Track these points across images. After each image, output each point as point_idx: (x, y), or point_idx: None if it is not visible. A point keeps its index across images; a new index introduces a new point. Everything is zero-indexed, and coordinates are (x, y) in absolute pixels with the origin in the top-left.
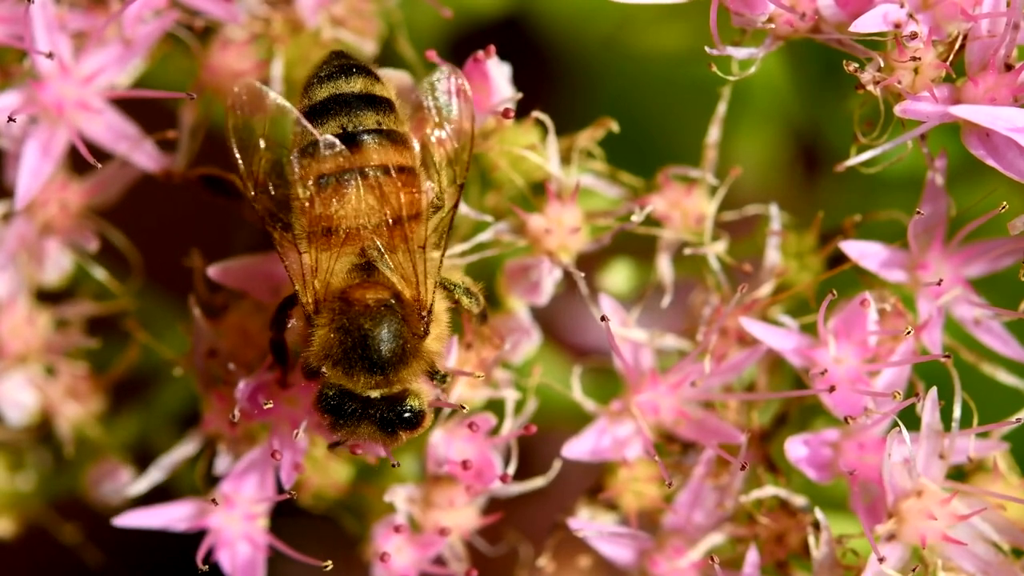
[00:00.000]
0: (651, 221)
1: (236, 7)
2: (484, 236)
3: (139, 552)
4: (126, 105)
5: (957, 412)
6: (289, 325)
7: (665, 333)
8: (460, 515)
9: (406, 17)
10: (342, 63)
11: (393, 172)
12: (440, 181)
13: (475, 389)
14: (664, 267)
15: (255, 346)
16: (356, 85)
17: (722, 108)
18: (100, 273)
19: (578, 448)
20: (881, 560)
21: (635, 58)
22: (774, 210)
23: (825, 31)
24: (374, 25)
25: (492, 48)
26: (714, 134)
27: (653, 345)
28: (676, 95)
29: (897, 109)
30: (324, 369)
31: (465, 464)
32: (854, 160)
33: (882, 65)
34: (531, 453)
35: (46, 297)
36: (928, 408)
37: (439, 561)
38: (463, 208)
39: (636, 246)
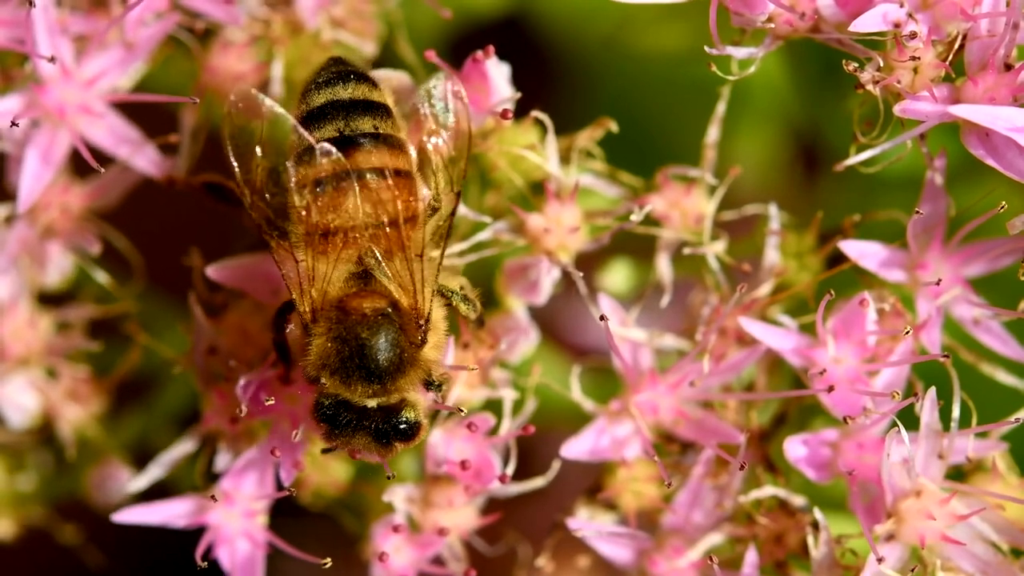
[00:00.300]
0: (650, 221)
1: (236, 9)
2: (483, 235)
3: (140, 554)
4: (128, 107)
5: (956, 412)
6: (287, 331)
7: (664, 333)
8: (459, 515)
9: (406, 18)
10: (340, 69)
11: (389, 176)
12: (437, 186)
13: (473, 389)
14: (663, 267)
15: (255, 345)
16: (353, 91)
17: (721, 108)
18: (102, 276)
19: (577, 448)
20: (880, 560)
21: (635, 58)
22: (773, 210)
23: (825, 31)
24: (374, 26)
25: (491, 48)
26: (713, 134)
27: (652, 345)
28: (676, 95)
29: (896, 109)
30: (322, 378)
31: (464, 464)
32: (853, 160)
33: (881, 65)
34: (530, 453)
35: (48, 300)
36: (927, 408)
37: (438, 561)
38: (462, 208)
39: (635, 246)
